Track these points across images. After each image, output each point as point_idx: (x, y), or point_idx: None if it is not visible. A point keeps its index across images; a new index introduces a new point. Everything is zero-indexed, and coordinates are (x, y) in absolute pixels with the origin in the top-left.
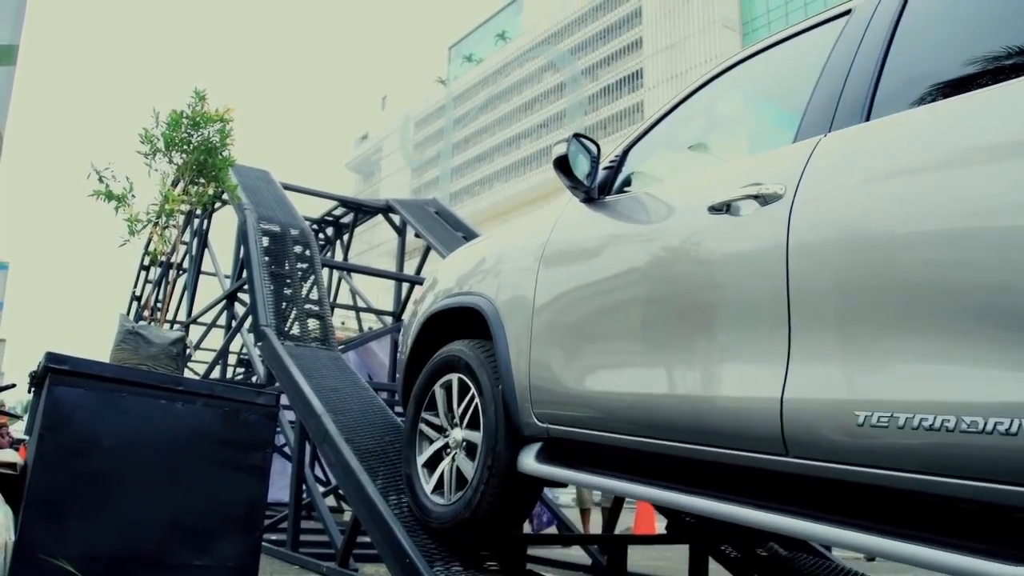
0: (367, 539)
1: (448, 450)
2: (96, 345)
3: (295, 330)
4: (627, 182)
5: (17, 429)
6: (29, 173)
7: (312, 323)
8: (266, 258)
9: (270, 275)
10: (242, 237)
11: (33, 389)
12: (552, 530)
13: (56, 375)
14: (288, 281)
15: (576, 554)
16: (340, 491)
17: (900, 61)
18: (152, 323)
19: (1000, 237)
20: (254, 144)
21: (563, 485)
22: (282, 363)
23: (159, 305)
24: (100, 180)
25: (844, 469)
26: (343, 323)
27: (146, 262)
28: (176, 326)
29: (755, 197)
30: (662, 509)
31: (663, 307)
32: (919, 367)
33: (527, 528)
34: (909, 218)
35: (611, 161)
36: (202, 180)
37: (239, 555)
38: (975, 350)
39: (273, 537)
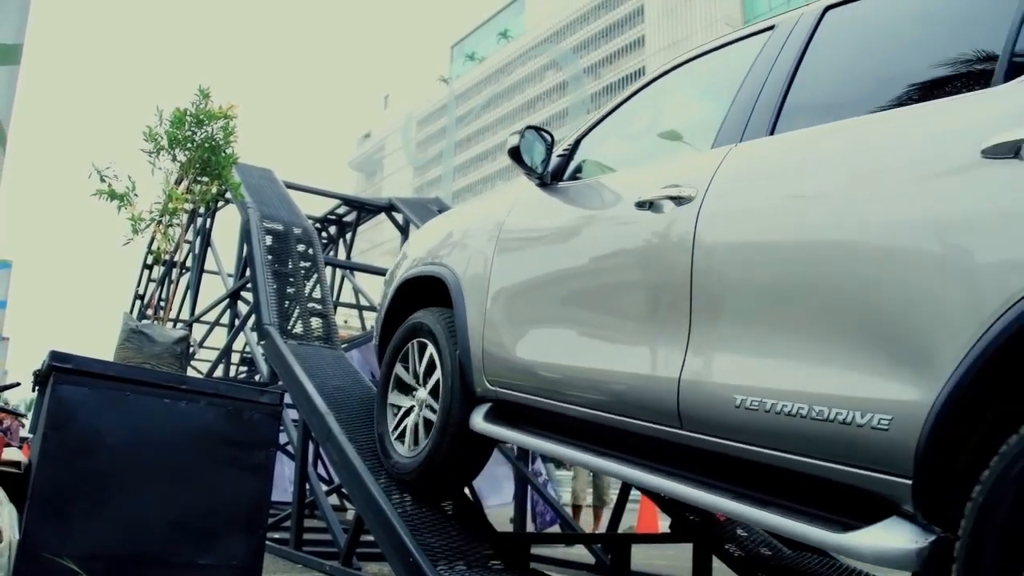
0: (371, 538)
1: (414, 408)
2: (99, 344)
3: (298, 328)
4: (579, 169)
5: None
6: (33, 171)
7: (315, 321)
8: (269, 257)
9: (273, 274)
10: (245, 235)
11: (37, 388)
12: (555, 529)
13: (60, 374)
14: (291, 279)
15: (580, 553)
16: (343, 490)
17: (804, 81)
18: (156, 322)
19: (851, 256)
20: (257, 142)
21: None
22: (285, 362)
23: (162, 303)
24: (102, 180)
25: (725, 443)
26: (346, 321)
27: (149, 261)
28: (179, 324)
29: (672, 198)
30: (666, 508)
31: (590, 291)
32: (782, 361)
33: (530, 527)
34: (782, 231)
35: (564, 150)
36: (205, 178)
37: (243, 554)
38: (826, 351)
39: (276, 536)
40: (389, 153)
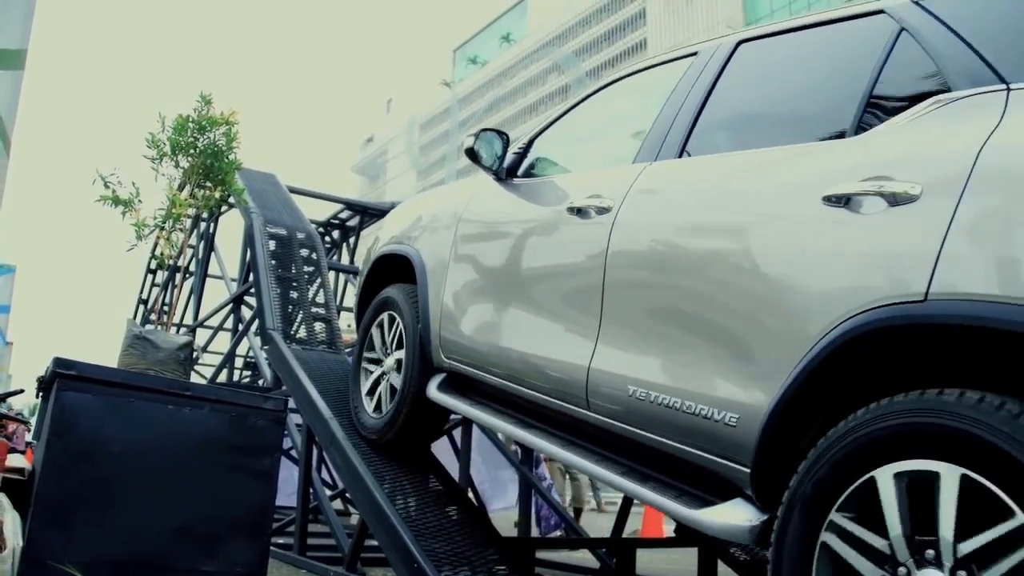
0: (375, 543)
1: (384, 375)
2: (103, 349)
3: (301, 333)
4: (533, 166)
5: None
6: (37, 176)
7: (319, 326)
8: (272, 261)
9: (276, 278)
10: (248, 240)
11: (41, 394)
12: (560, 533)
13: (64, 380)
14: (294, 284)
15: (584, 557)
16: (347, 494)
17: (712, 110)
18: (160, 327)
19: (715, 277)
20: (260, 147)
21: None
22: (289, 366)
23: (166, 308)
24: (106, 186)
25: (620, 426)
26: (349, 326)
27: (152, 266)
28: (183, 329)
29: (594, 207)
30: None
31: (526, 283)
32: (664, 361)
33: (535, 531)
34: (668, 249)
35: (520, 147)
36: (208, 184)
37: (247, 560)
38: (696, 356)
39: (280, 541)
40: (392, 157)
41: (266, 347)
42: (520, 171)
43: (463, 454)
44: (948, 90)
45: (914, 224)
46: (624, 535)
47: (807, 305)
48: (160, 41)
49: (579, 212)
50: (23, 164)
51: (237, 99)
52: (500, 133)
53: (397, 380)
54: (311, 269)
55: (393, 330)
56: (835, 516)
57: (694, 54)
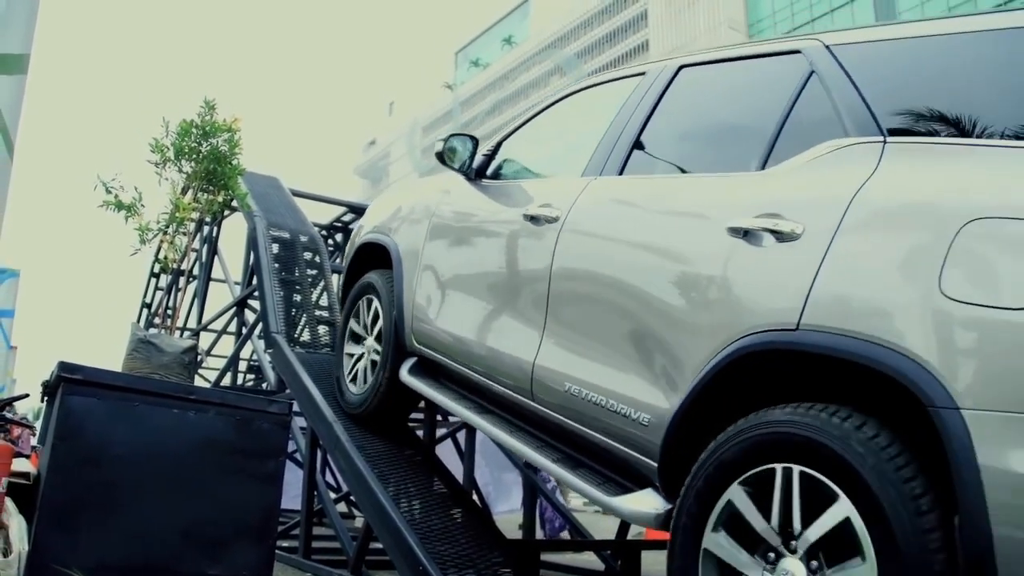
0: (380, 545)
1: (364, 355)
2: (107, 353)
3: (305, 336)
4: (500, 167)
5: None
6: (40, 180)
7: (322, 329)
8: (276, 265)
9: (280, 282)
10: (252, 244)
11: (46, 398)
12: (565, 535)
13: (69, 384)
14: (298, 287)
15: (589, 560)
16: (351, 498)
17: (652, 131)
18: (165, 331)
19: (636, 292)
20: (262, 149)
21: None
22: (293, 370)
23: (170, 312)
24: (107, 191)
25: (557, 417)
26: None
27: (156, 270)
28: (186, 333)
29: (545, 217)
30: None
31: (486, 280)
32: (594, 362)
33: (539, 533)
34: (599, 262)
35: (489, 149)
36: (212, 188)
37: (253, 564)
38: (621, 359)
39: (284, 544)
40: (394, 160)
41: (270, 350)
42: (489, 171)
43: (467, 456)
44: (842, 135)
45: (794, 261)
46: (629, 537)
47: (706, 324)
48: (163, 44)
49: (533, 219)
50: (26, 168)
51: (239, 102)
52: (470, 137)
53: (376, 358)
54: (314, 272)
55: (372, 313)
56: (720, 507)
57: (642, 74)
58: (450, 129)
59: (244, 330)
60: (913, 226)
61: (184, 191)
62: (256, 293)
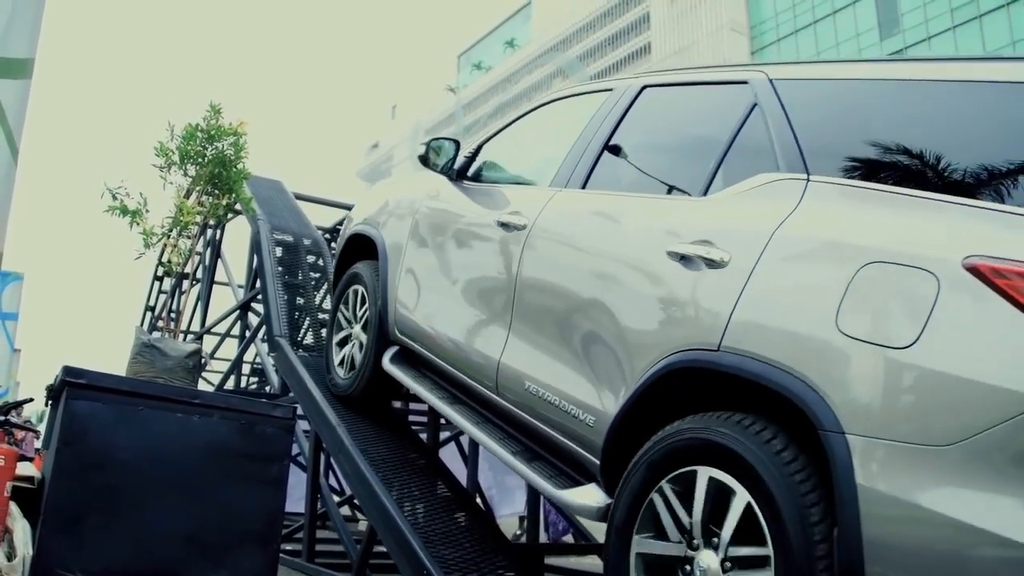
0: (383, 549)
1: (351, 340)
2: (110, 356)
3: (308, 339)
4: (481, 170)
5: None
6: (45, 184)
7: (325, 332)
8: (279, 268)
9: (283, 285)
10: (255, 247)
11: (50, 402)
12: (568, 539)
13: (73, 389)
14: (301, 290)
15: (594, 563)
16: (355, 501)
17: (615, 147)
18: (168, 334)
19: (585, 302)
20: (265, 152)
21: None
22: (296, 373)
23: (173, 315)
24: (114, 198)
25: (517, 412)
26: None
27: (159, 273)
28: (190, 336)
29: (514, 224)
30: None
31: (460, 280)
32: (551, 363)
33: (543, 537)
34: (557, 272)
35: (471, 151)
36: (216, 192)
37: (257, 568)
38: (573, 363)
39: (288, 547)
40: (397, 163)
41: (273, 354)
42: (470, 173)
43: (471, 460)
44: (774, 170)
45: (721, 287)
46: None
47: (645, 339)
48: (167, 47)
49: (504, 226)
50: (31, 172)
51: (242, 104)
52: (453, 141)
53: (363, 343)
54: (318, 275)
55: (360, 302)
56: (649, 503)
57: (610, 90)
58: (453, 132)
59: (247, 333)
60: (820, 264)
61: (188, 195)
62: (259, 296)
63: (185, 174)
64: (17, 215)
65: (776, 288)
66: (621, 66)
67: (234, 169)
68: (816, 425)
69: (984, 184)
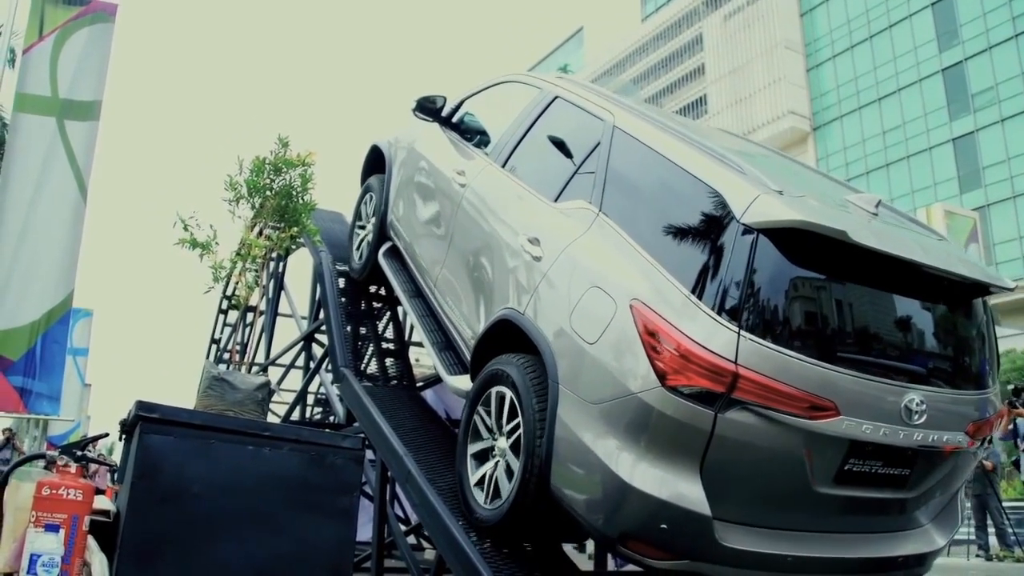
0: None
1: (364, 235)
2: (177, 390)
3: (372, 368)
4: (462, 120)
5: None
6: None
7: (389, 361)
8: (342, 299)
9: (346, 315)
10: (318, 278)
11: (124, 436)
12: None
13: (147, 423)
14: (364, 320)
15: None
16: (422, 530)
17: (528, 139)
18: (235, 367)
19: (478, 259)
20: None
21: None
22: (362, 404)
23: (239, 348)
24: (185, 228)
25: (441, 312)
26: (417, 360)
27: (224, 306)
28: (255, 368)
29: (461, 183)
30: None
31: (426, 203)
32: (459, 287)
33: (611, 564)
34: (470, 228)
35: (455, 104)
36: (282, 224)
37: None
38: (468, 295)
39: None
40: None
41: (338, 384)
42: (454, 119)
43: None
44: (589, 199)
45: (534, 274)
46: None
47: (496, 294)
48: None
49: (457, 175)
50: (99, 211)
51: (296, 132)
52: (435, 96)
53: (370, 238)
54: (380, 305)
55: (373, 206)
56: (481, 400)
57: (540, 89)
58: None
59: (312, 364)
60: (576, 278)
61: (253, 227)
62: (323, 327)
63: (253, 207)
64: (86, 253)
65: (554, 287)
66: (675, 88)
67: (300, 201)
68: (548, 375)
69: (668, 248)
